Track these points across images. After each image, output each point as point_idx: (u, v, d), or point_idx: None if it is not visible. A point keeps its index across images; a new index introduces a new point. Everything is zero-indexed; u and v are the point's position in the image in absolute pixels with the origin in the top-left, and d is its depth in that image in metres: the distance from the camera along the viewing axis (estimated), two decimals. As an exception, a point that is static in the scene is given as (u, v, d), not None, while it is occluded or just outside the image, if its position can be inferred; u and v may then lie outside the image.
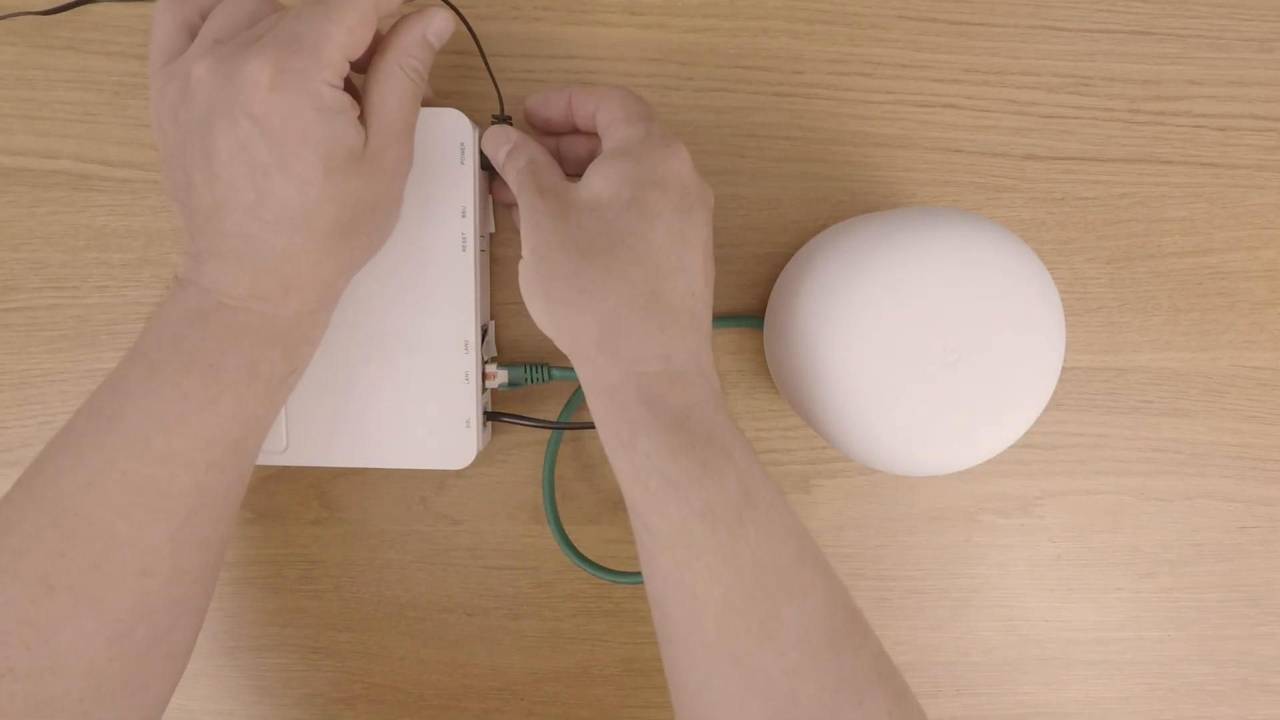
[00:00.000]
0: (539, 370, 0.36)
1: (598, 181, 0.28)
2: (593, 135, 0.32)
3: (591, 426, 0.35)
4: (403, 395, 0.34)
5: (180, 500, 0.26)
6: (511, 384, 0.36)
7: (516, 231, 0.37)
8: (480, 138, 0.33)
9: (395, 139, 0.28)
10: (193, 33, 0.27)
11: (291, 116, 0.25)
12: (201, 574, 0.29)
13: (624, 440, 0.26)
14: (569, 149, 0.34)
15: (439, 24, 0.29)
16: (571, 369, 0.37)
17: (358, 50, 0.26)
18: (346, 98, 0.26)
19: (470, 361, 0.34)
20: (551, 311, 0.28)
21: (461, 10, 0.36)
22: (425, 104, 0.31)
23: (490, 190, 0.36)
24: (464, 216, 0.33)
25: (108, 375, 0.27)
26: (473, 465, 0.35)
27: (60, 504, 0.25)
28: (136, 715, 0.27)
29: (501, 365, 0.36)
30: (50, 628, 0.24)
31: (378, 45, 0.28)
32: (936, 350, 0.29)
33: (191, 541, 0.27)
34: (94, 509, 0.25)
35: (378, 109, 0.27)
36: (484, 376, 0.35)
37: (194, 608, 0.29)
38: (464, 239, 0.33)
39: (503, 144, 0.31)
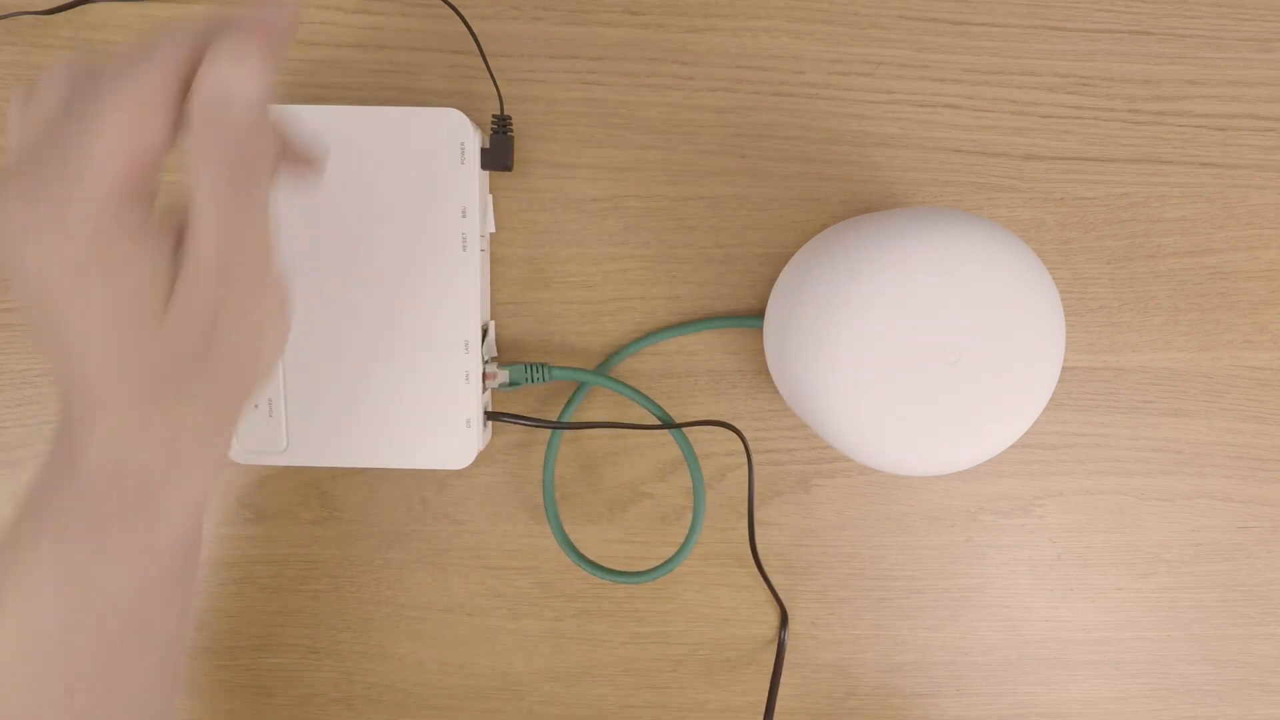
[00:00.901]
0: (539, 370, 0.36)
1: None
2: None
3: (592, 426, 0.35)
4: (403, 395, 0.34)
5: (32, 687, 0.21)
6: (511, 384, 0.36)
7: (517, 231, 0.37)
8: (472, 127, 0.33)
9: (227, 277, 0.20)
10: None
11: (61, 263, 0.19)
12: None
13: None
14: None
15: (241, 39, 0.20)
16: (572, 369, 0.37)
17: (146, 154, 0.19)
18: (139, 224, 0.20)
19: (470, 361, 0.34)
20: None
21: (461, 10, 0.36)
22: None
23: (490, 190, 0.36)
24: (464, 216, 0.33)
25: None
26: (473, 465, 0.35)
27: None
28: None
29: (501, 365, 0.36)
30: None
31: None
32: (936, 350, 0.29)
33: None
34: None
35: (194, 234, 0.20)
36: (484, 376, 0.35)
37: None
38: (464, 239, 0.33)
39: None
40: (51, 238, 0.19)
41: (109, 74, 0.19)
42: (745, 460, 0.39)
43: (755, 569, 0.39)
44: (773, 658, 0.40)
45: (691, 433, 0.38)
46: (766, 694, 0.40)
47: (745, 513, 0.39)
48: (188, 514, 0.23)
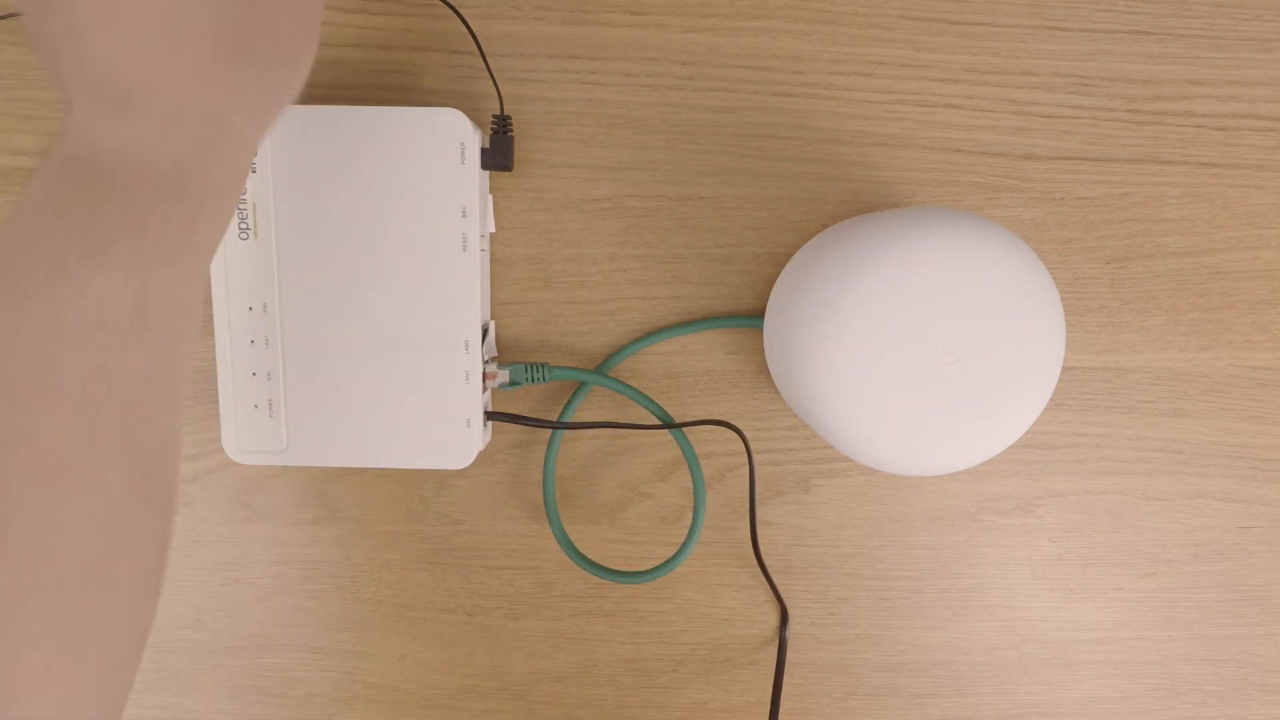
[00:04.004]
0: (539, 370, 0.36)
1: None
2: None
3: (592, 426, 0.35)
4: (403, 395, 0.34)
5: (76, 384, 0.20)
6: (511, 384, 0.36)
7: (517, 231, 0.37)
8: (482, 138, 0.33)
9: None
10: None
11: None
12: (139, 485, 0.22)
13: None
14: None
15: None
16: (572, 369, 0.37)
17: None
18: None
19: (471, 361, 0.34)
20: None
21: (461, 10, 0.36)
22: None
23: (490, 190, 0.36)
24: (464, 216, 0.33)
25: None
26: (473, 465, 0.35)
27: None
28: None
29: (502, 365, 0.36)
30: None
31: None
32: (936, 350, 0.29)
33: (109, 441, 0.21)
34: None
35: None
36: (484, 376, 0.35)
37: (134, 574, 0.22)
38: (464, 239, 0.33)
39: None
40: None
41: None
42: (745, 460, 0.39)
43: (755, 569, 0.39)
44: (773, 657, 0.40)
45: (691, 433, 0.38)
46: (768, 693, 0.40)
47: (745, 513, 0.39)
48: (222, 211, 0.23)
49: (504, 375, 0.36)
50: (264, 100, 0.23)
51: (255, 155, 0.23)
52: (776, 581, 0.39)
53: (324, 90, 0.36)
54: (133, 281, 0.21)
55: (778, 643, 0.39)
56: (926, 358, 0.29)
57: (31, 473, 0.20)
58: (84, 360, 0.20)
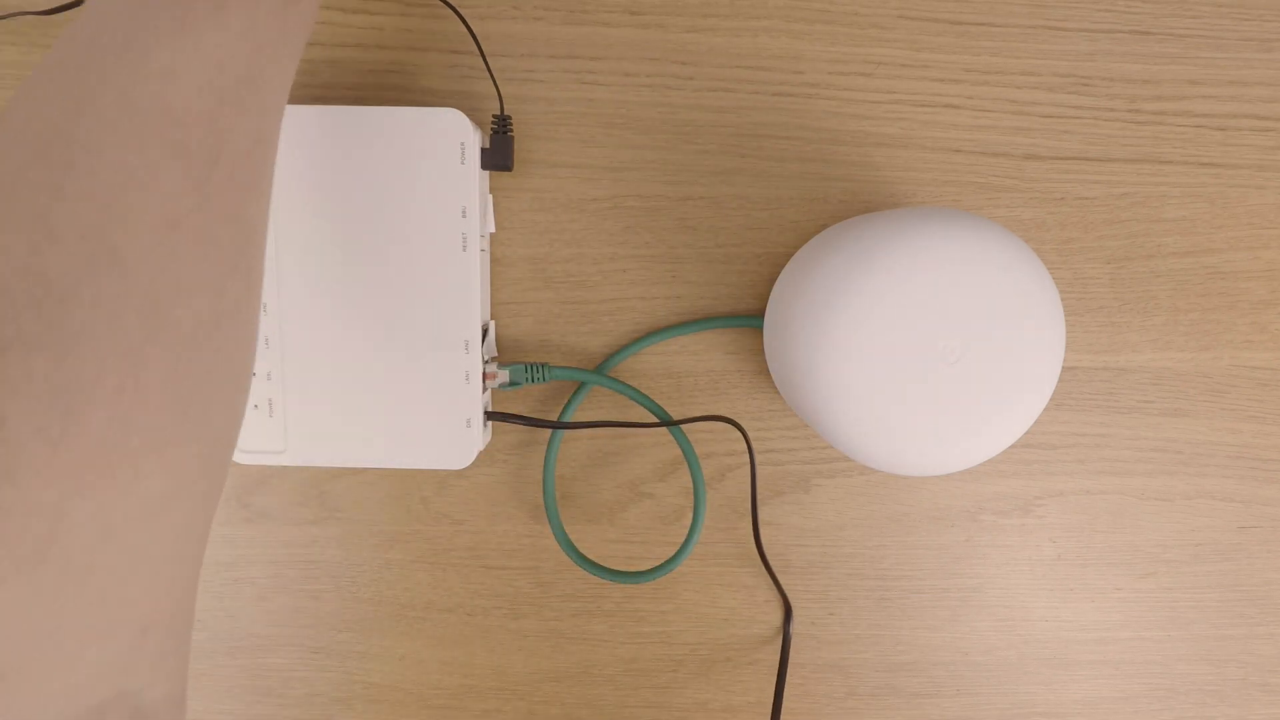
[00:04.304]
0: (539, 370, 0.36)
1: None
2: None
3: (592, 426, 0.35)
4: (403, 395, 0.34)
5: (195, 134, 0.20)
6: (511, 384, 0.36)
7: (517, 231, 0.37)
8: (482, 138, 0.33)
9: None
10: None
11: None
12: (241, 261, 0.22)
13: None
14: None
15: None
16: (572, 369, 0.37)
17: None
18: None
19: (471, 361, 0.34)
20: None
21: (461, 10, 0.36)
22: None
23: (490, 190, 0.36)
24: (464, 216, 0.33)
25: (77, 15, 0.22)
26: (473, 465, 0.35)
27: (45, 134, 0.19)
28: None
29: (502, 365, 0.36)
30: (63, 286, 0.18)
31: None
32: (936, 350, 0.29)
33: (222, 203, 0.21)
34: (89, 134, 0.19)
35: None
36: (484, 376, 0.35)
37: (241, 313, 0.22)
38: (464, 239, 0.33)
39: None
40: None
41: None
42: (745, 460, 0.39)
43: (755, 569, 0.39)
44: (773, 657, 0.40)
45: (691, 433, 0.38)
46: (768, 694, 0.40)
47: (745, 512, 0.39)
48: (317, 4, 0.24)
49: (504, 375, 0.36)
50: None
51: None
52: (776, 581, 0.39)
53: (324, 90, 0.36)
54: (244, 46, 0.21)
55: (782, 638, 0.39)
56: (927, 358, 0.29)
57: (150, 222, 0.19)
58: (200, 112, 0.20)
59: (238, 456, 0.34)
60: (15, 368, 0.17)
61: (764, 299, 0.38)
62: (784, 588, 0.39)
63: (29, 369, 0.17)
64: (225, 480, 0.22)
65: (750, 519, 0.39)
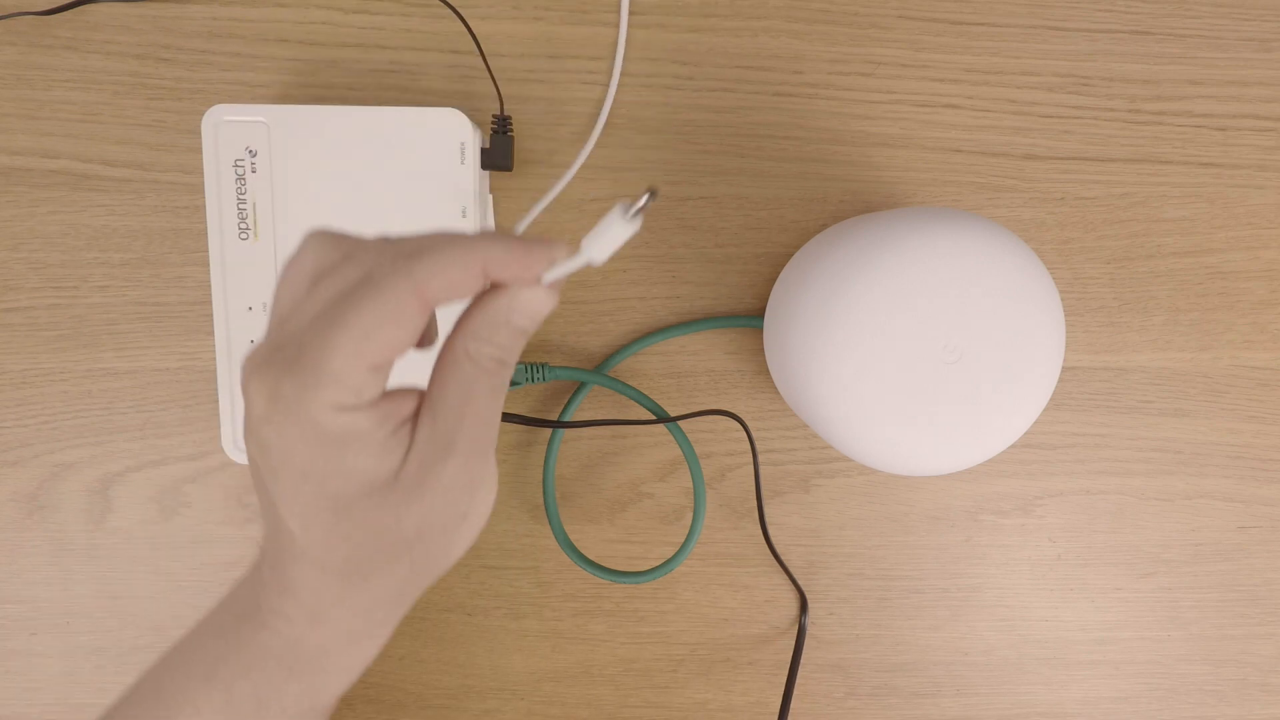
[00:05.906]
0: (539, 370, 0.36)
1: None
2: None
3: (592, 425, 0.35)
4: (403, 395, 0.34)
5: None
6: (512, 384, 0.36)
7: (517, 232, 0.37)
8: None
9: (453, 450, 0.22)
10: None
11: (286, 451, 0.21)
12: None
13: None
14: None
15: (525, 301, 0.21)
16: (572, 369, 0.37)
17: (390, 350, 0.20)
18: (366, 419, 0.21)
19: (470, 361, 0.34)
20: None
21: (461, 10, 0.36)
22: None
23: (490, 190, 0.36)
24: (464, 216, 0.33)
25: (174, 645, 0.26)
26: (473, 465, 0.35)
27: None
28: None
29: (501, 365, 0.36)
30: None
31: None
32: (936, 350, 0.29)
33: None
34: None
35: (433, 409, 0.22)
36: (484, 376, 0.35)
37: None
38: (464, 239, 0.33)
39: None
40: (286, 433, 0.20)
41: (374, 275, 0.20)
42: (744, 460, 0.39)
43: (755, 569, 0.39)
44: (773, 657, 0.40)
45: (691, 433, 0.38)
46: (768, 693, 0.40)
47: (745, 513, 0.39)
48: (347, 683, 0.25)
49: (504, 375, 0.36)
50: (407, 593, 0.24)
51: (390, 631, 0.26)
52: (777, 581, 0.39)
53: (324, 90, 0.36)
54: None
55: (796, 630, 0.39)
56: (926, 357, 0.29)
57: None
58: None
59: (238, 456, 0.34)
60: None
61: (764, 299, 0.38)
62: (783, 588, 0.39)
63: None
64: None
65: (755, 516, 0.39)
